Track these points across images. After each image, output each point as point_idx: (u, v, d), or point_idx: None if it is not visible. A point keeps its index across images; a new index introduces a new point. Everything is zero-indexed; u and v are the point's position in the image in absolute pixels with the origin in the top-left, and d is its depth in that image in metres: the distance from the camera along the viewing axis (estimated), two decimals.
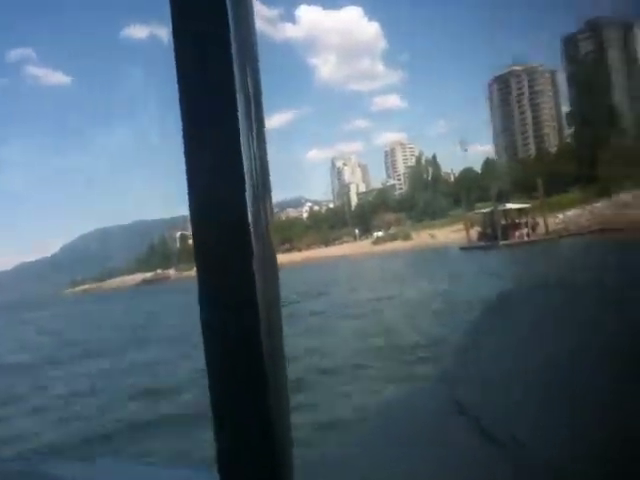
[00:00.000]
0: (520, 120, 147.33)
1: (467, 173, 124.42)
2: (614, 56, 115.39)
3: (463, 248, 38.70)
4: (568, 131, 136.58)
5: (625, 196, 37.63)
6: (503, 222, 37.70)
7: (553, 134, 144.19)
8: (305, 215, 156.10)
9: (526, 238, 35.63)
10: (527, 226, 37.05)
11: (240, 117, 0.46)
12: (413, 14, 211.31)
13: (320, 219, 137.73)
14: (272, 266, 0.47)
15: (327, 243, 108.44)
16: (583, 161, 78.33)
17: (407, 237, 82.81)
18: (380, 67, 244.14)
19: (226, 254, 0.45)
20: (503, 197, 44.43)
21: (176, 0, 0.44)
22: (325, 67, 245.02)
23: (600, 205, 37.46)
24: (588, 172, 72.46)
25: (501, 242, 34.72)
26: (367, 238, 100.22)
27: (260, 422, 0.43)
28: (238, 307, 0.44)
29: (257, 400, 0.44)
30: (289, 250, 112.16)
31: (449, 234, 72.11)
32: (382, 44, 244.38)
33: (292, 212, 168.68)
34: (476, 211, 49.89)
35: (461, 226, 76.89)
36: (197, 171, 0.45)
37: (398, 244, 77.12)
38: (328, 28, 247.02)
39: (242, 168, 0.46)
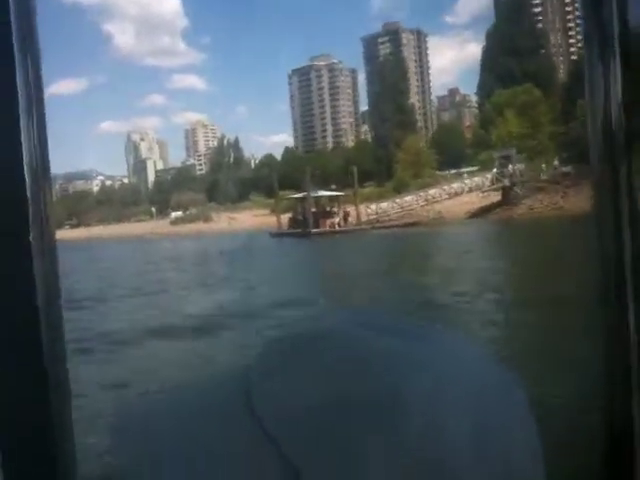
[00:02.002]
0: (320, 114, 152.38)
1: (268, 159, 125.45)
2: (409, 60, 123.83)
3: (274, 234, 37.63)
4: (364, 128, 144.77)
5: (434, 191, 39.79)
6: (314, 210, 37.33)
7: (350, 130, 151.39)
8: (96, 189, 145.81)
9: (337, 227, 35.90)
10: (339, 215, 37.38)
11: (20, 101, 0.46)
12: None
13: (113, 194, 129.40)
14: (51, 249, 0.45)
15: (120, 220, 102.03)
16: (379, 158, 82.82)
17: (208, 219, 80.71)
18: (180, 45, 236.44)
19: (3, 234, 0.44)
20: (315, 184, 44.15)
21: None
22: (122, 37, 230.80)
23: (409, 199, 39.11)
24: (384, 168, 76.80)
25: (312, 230, 34.50)
26: (165, 218, 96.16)
27: (40, 416, 0.42)
28: (14, 293, 0.43)
29: (37, 393, 0.42)
30: (76, 226, 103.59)
31: (250, 218, 71.55)
32: (184, 22, 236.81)
33: (81, 185, 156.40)
34: (288, 196, 49.24)
35: (263, 211, 76.97)
36: None
37: (198, 226, 74.74)
38: None
39: (21, 149, 0.45)
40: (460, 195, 38.47)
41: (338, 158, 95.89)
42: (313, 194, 38.31)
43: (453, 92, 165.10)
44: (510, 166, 38.92)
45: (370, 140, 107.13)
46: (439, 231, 29.34)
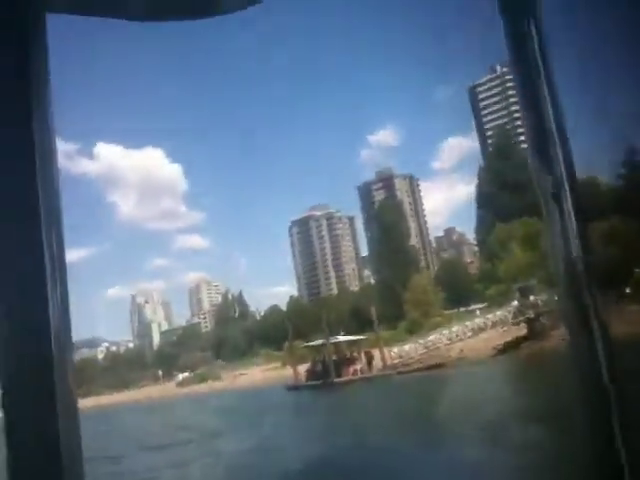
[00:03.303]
0: (322, 262, 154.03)
1: (273, 311, 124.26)
2: (404, 203, 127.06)
3: (292, 388, 35.16)
4: (367, 272, 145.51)
5: (457, 328, 38.23)
6: (334, 357, 35.25)
7: (353, 275, 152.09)
8: (101, 356, 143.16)
9: (360, 374, 33.74)
10: (362, 361, 35.32)
11: (47, 282, 0.48)
12: (214, 157, 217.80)
13: (118, 360, 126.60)
14: (73, 407, 0.47)
15: (126, 386, 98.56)
16: (386, 300, 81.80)
17: (217, 377, 77.92)
18: (182, 208, 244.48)
19: (30, 394, 0.45)
20: (332, 330, 42.33)
21: None
22: (125, 205, 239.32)
23: (433, 338, 37.44)
24: (392, 310, 75.44)
25: (335, 379, 32.32)
26: (171, 380, 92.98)
27: None
28: (41, 451, 0.45)
29: None
30: (86, 395, 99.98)
31: (262, 373, 68.97)
32: (183, 185, 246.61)
33: (86, 353, 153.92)
34: (305, 344, 47.22)
35: (274, 364, 74.42)
36: (6, 316, 0.46)
37: (207, 386, 71.84)
38: (128, 166, 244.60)
39: (48, 317, 0.47)
40: (484, 331, 36.87)
41: (344, 303, 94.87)
42: (332, 340, 36.44)
43: (450, 232, 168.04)
44: (532, 297, 37.68)
45: (374, 283, 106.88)
46: (469, 372, 27.46)
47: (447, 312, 70.72)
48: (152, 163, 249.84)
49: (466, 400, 18.57)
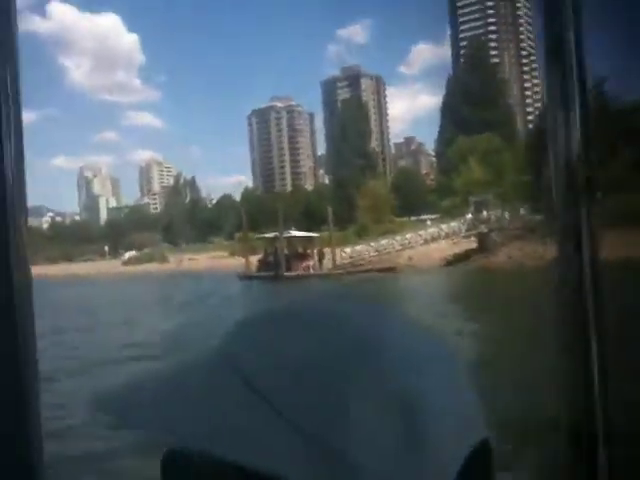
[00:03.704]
0: (278, 156, 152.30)
1: (226, 200, 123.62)
2: (368, 104, 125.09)
3: (243, 277, 35.37)
4: (321, 172, 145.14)
5: (410, 236, 38.68)
6: (286, 252, 35.44)
7: (309, 173, 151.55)
8: (46, 226, 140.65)
9: (312, 270, 34.14)
10: (313, 258, 35.63)
11: (2, 125, 0.46)
12: (176, 33, 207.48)
13: (63, 232, 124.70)
14: (28, 272, 0.46)
15: (69, 259, 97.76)
16: (339, 201, 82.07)
17: (164, 259, 77.80)
18: (136, 82, 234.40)
19: None
20: (289, 224, 42.21)
21: None
22: (77, 71, 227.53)
23: (385, 243, 37.84)
24: (344, 212, 75.89)
25: (285, 273, 32.64)
26: (117, 257, 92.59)
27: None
28: None
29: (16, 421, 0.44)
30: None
31: (208, 260, 69.17)
32: (141, 58, 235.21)
33: (31, 221, 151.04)
34: (259, 235, 47.17)
35: (221, 253, 74.73)
36: None
37: (153, 267, 71.79)
38: (83, 30, 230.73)
39: (3, 174, 0.45)
40: (437, 241, 37.49)
41: (298, 200, 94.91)
42: (285, 234, 36.43)
43: (409, 140, 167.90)
44: (485, 212, 38.21)
45: (329, 183, 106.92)
46: (418, 279, 28.10)
47: (398, 220, 71.54)
48: (109, 29, 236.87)
49: (413, 307, 18.95)
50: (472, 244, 37.82)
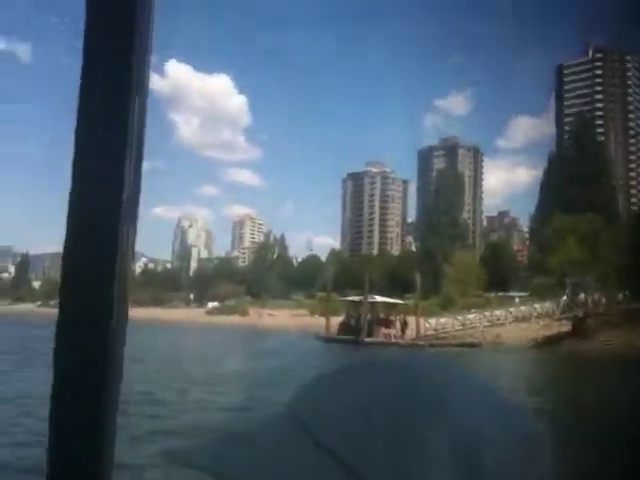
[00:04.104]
0: (368, 220, 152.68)
1: (312, 259, 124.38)
2: (464, 175, 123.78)
3: (322, 338, 34.57)
4: (409, 239, 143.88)
5: (500, 312, 36.87)
6: (369, 317, 34.38)
7: (396, 239, 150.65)
8: (138, 271, 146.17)
9: (394, 339, 32.90)
10: (396, 325, 34.38)
11: (127, 150, 0.48)
12: (278, 90, 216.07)
13: (154, 278, 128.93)
14: (125, 308, 0.48)
15: (156, 304, 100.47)
16: (425, 270, 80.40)
17: (244, 312, 78.47)
18: (240, 140, 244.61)
19: (90, 289, 0.46)
20: (373, 288, 41.32)
21: (89, 29, 0.46)
22: (186, 128, 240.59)
23: (472, 317, 36.21)
24: (429, 282, 74.05)
25: (366, 339, 31.57)
26: (201, 307, 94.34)
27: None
28: (89, 342, 0.45)
29: (94, 426, 0.45)
30: None
31: (289, 317, 68.97)
32: (246, 119, 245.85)
33: None
34: (342, 298, 46.50)
35: (302, 311, 74.52)
36: (79, 204, 0.46)
37: (234, 319, 72.43)
38: (195, 89, 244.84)
39: (121, 197, 0.47)
40: (528, 320, 35.39)
41: (383, 265, 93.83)
42: (369, 299, 35.42)
43: (503, 214, 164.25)
44: (582, 295, 35.89)
45: (416, 251, 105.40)
46: (503, 358, 26.32)
47: (485, 295, 69.05)
48: (219, 90, 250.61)
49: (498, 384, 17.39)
50: (563, 327, 35.48)
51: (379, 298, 38.56)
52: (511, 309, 37.39)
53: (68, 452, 0.46)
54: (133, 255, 0.52)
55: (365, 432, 0.32)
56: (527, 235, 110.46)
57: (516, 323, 35.80)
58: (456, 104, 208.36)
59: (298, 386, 0.39)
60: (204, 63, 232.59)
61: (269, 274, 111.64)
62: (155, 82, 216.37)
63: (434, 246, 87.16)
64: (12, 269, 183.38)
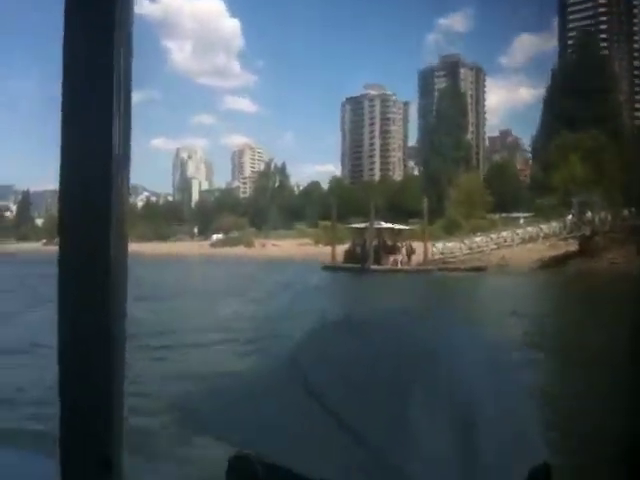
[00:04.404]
0: (369, 145, 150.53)
1: (314, 187, 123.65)
2: (466, 95, 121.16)
3: (328, 267, 34.46)
4: (411, 164, 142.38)
5: (506, 234, 36.66)
6: (375, 243, 34.10)
7: (398, 163, 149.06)
8: (140, 204, 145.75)
9: (400, 265, 32.81)
10: (402, 252, 34.19)
11: (114, 102, 0.49)
12: (271, 13, 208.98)
13: (156, 211, 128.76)
14: (124, 244, 0.48)
15: (161, 238, 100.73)
16: (429, 194, 79.81)
17: (249, 244, 78.61)
18: (235, 66, 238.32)
19: (88, 226, 0.47)
20: (377, 215, 40.87)
21: None
22: (179, 54, 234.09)
23: (479, 240, 36.03)
24: (433, 206, 73.62)
25: (372, 266, 31.45)
26: (206, 239, 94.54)
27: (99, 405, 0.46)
28: (94, 276, 0.46)
29: (101, 379, 0.46)
30: None
31: (294, 247, 69.05)
32: (240, 42, 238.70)
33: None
34: (348, 225, 46.19)
35: (306, 240, 74.58)
36: (70, 146, 0.46)
37: (239, 250, 72.65)
38: (187, 13, 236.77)
39: (111, 147, 0.48)
40: (534, 241, 35.21)
41: (386, 191, 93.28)
42: (375, 226, 35.08)
43: (505, 134, 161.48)
44: (589, 213, 35.55)
45: (418, 175, 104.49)
46: (511, 280, 26.25)
47: (489, 216, 68.86)
48: (211, 12, 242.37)
49: (508, 308, 17.43)
50: (570, 247, 35.33)
51: (384, 224, 38.21)
52: (518, 230, 37.18)
53: (78, 397, 0.46)
54: (128, 196, 0.49)
55: (359, 381, 0.33)
56: (529, 155, 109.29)
57: (523, 244, 35.64)
58: (457, 22, 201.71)
59: (302, 331, 0.40)
60: None
61: (271, 204, 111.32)
62: (146, 6, 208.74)
63: (437, 169, 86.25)
64: (14, 207, 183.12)
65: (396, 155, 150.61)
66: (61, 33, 0.46)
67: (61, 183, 0.46)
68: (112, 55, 0.47)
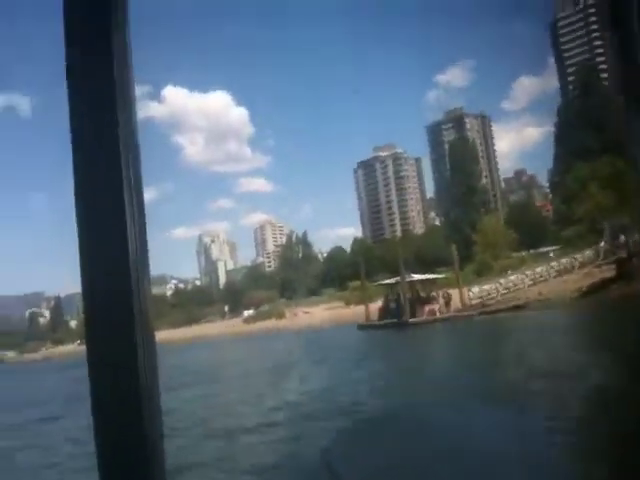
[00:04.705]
0: (386, 204, 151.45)
1: (337, 251, 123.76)
2: (475, 143, 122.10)
3: (365, 327, 33.93)
4: (432, 215, 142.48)
5: (541, 269, 36.07)
6: (409, 296, 33.56)
7: (418, 218, 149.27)
8: (169, 293, 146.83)
9: (438, 314, 32.21)
10: (438, 300, 33.67)
11: (126, 205, 0.50)
12: (279, 101, 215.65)
13: (186, 297, 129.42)
14: (150, 333, 0.48)
15: (192, 322, 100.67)
16: (453, 241, 79.34)
17: (280, 315, 78.27)
18: (247, 151, 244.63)
19: (112, 323, 0.47)
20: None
21: (73, 94, 0.46)
22: (191, 148, 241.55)
23: (514, 279, 35.46)
24: (459, 252, 73.05)
25: (410, 319, 30.86)
26: (237, 317, 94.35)
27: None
28: (120, 372, 0.46)
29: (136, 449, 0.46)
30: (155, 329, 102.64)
31: (325, 311, 68.60)
32: (249, 129, 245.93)
33: (156, 290, 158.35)
34: (378, 282, 45.82)
35: (336, 304, 74.12)
36: (88, 250, 0.47)
37: (271, 323, 72.28)
38: (195, 109, 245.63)
39: (127, 248, 0.49)
40: (570, 272, 34.53)
41: (410, 245, 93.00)
42: (407, 279, 34.60)
43: (519, 173, 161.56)
44: (622, 237, 34.93)
45: (440, 225, 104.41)
46: (554, 313, 25.55)
47: (517, 254, 68.35)
48: (218, 105, 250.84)
49: (558, 343, 16.89)
50: (606, 273, 34.51)
51: (416, 276, 37.73)
52: (552, 263, 36.57)
53: None
54: (149, 288, 0.51)
55: None
56: (547, 190, 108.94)
57: (559, 277, 34.95)
58: (456, 77, 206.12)
59: (334, 432, 0.40)
60: (197, 83, 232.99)
61: (297, 273, 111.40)
62: (154, 109, 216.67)
63: (459, 217, 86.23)
64: (46, 313, 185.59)
65: (415, 209, 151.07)
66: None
67: (83, 283, 0.47)
68: (119, 153, 0.49)
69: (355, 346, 25.41)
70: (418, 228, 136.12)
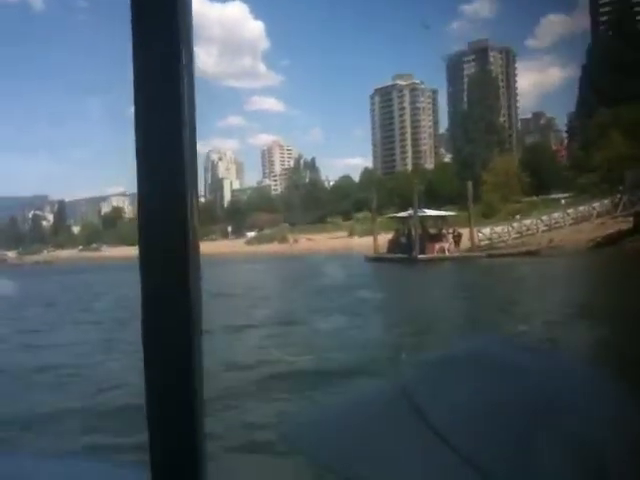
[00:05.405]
0: (400, 135, 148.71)
1: (345, 181, 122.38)
2: (497, 79, 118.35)
3: (372, 259, 33.28)
4: (442, 151, 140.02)
5: (557, 215, 34.97)
6: (419, 232, 32.66)
7: (429, 152, 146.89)
8: None
9: (447, 252, 31.50)
10: (448, 239, 32.83)
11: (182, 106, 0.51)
12: (298, 17, 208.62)
13: None
14: (197, 246, 0.51)
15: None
16: (464, 180, 77.82)
17: (284, 239, 77.91)
18: (261, 67, 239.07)
19: (167, 233, 0.48)
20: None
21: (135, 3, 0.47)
22: (207, 59, 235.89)
23: (529, 223, 34.45)
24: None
25: (419, 255, 30.14)
26: (240, 237, 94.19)
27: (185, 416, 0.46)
28: (169, 278, 0.47)
29: (184, 391, 0.46)
30: None
31: (328, 240, 68.07)
32: (265, 44, 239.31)
33: None
34: (390, 215, 44.82)
35: (340, 234, 73.57)
36: (145, 155, 0.48)
37: (274, 247, 71.96)
38: (212, 19, 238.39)
39: (183, 154, 0.50)
40: (588, 220, 33.47)
41: (421, 180, 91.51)
42: (419, 214, 33.60)
43: (538, 115, 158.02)
44: None
45: (450, 162, 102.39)
46: (565, 262, 24.79)
47: (527, 199, 66.99)
48: (236, 17, 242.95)
49: (567, 292, 16.13)
50: (622, 225, 33.53)
51: (428, 212, 36.72)
52: (569, 210, 35.41)
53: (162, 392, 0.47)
54: (198, 216, 0.54)
55: (489, 432, 0.32)
56: (564, 135, 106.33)
57: (575, 225, 33.90)
58: (481, 8, 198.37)
59: (410, 364, 0.38)
60: None
61: (303, 199, 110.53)
62: None
63: (471, 154, 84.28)
64: (50, 217, 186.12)
65: (427, 143, 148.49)
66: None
67: (139, 189, 0.50)
68: (179, 91, 0.52)
69: (369, 279, 24.62)
70: (429, 163, 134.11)
